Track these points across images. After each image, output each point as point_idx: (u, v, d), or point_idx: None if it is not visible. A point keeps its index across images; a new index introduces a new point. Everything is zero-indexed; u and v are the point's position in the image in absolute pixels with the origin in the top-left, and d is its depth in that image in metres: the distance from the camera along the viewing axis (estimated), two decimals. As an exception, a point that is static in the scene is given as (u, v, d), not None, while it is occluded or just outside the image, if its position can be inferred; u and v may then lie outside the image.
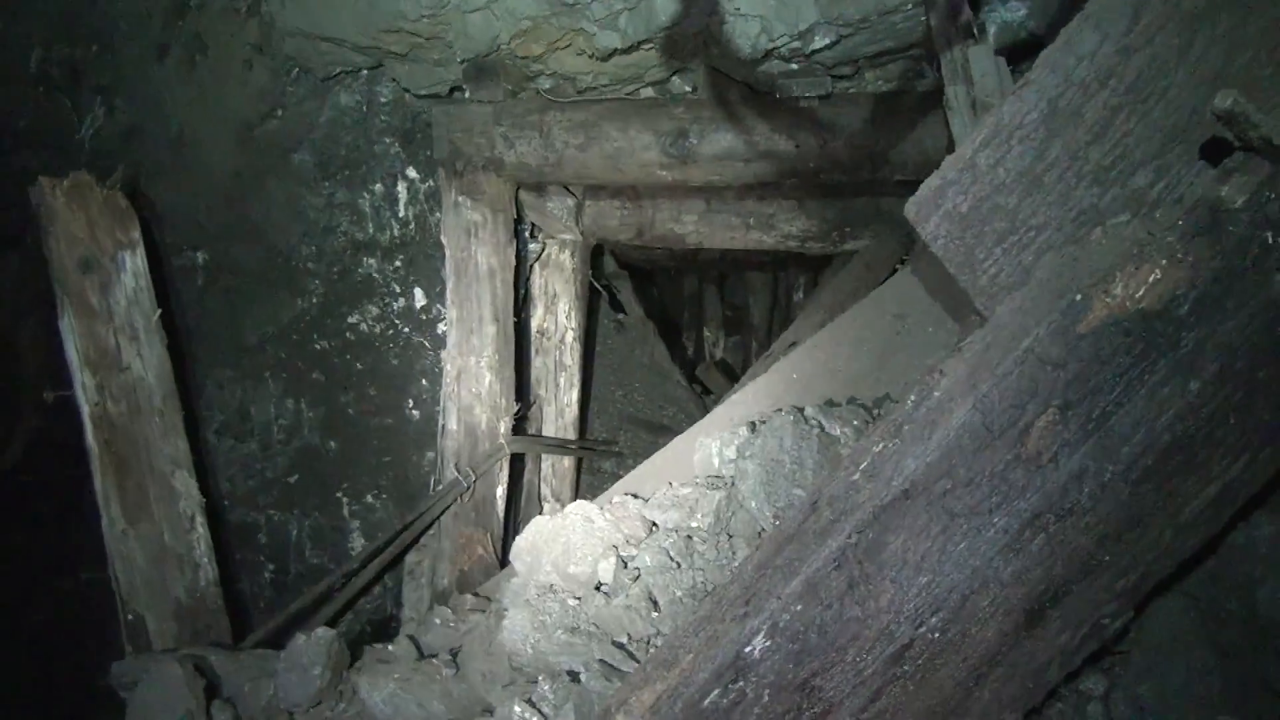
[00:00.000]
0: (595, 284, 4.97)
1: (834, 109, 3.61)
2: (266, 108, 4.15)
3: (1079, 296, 1.29)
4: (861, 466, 1.33)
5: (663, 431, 5.69)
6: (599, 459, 5.30)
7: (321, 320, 4.20)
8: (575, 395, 4.79)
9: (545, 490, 4.67)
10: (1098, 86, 1.37)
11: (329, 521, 4.09)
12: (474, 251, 3.91)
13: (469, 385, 3.88)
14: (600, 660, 1.87)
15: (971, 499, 1.28)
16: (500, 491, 3.96)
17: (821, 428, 2.02)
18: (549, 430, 4.68)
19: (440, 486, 3.74)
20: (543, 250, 4.64)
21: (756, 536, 2.01)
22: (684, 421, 5.85)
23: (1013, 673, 1.34)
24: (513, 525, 4.20)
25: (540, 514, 4.62)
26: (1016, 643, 1.33)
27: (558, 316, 4.74)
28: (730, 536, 2.02)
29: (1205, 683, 1.52)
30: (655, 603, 1.99)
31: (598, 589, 2.11)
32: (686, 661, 1.36)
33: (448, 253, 3.94)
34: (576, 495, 4.90)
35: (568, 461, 4.74)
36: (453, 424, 3.87)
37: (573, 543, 2.14)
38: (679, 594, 1.95)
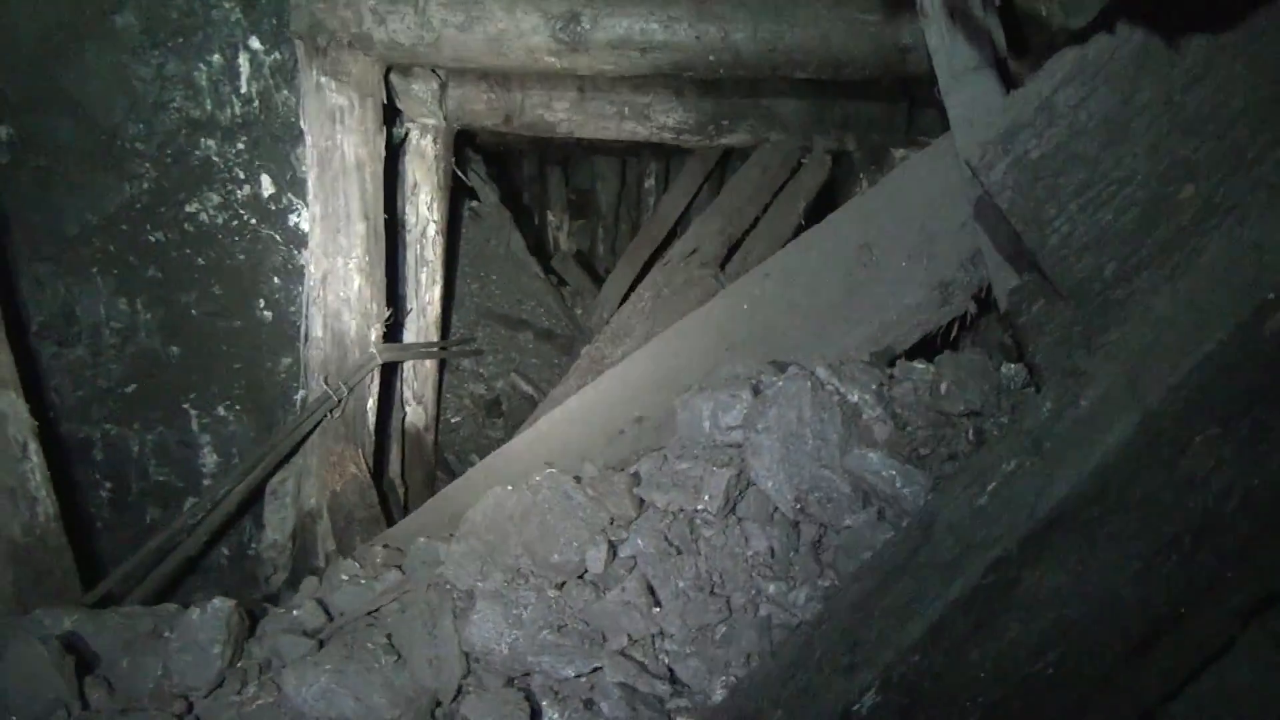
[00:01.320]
0: (458, 173, 4.63)
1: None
2: (85, -39, 3.57)
3: (1271, 295, 1.11)
4: (990, 488, 1.18)
5: (521, 326, 5.48)
6: (457, 359, 5.06)
7: (154, 209, 3.74)
8: (438, 293, 4.50)
9: (407, 394, 4.41)
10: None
11: (175, 436, 3.72)
12: (340, 141, 3.54)
13: (336, 289, 3.56)
14: (619, 683, 1.69)
15: (1116, 526, 1.16)
16: (371, 404, 3.70)
17: (840, 394, 1.87)
18: (410, 332, 4.40)
19: (309, 400, 3.44)
20: (405, 137, 4.27)
21: (770, 521, 1.86)
22: (543, 316, 5.64)
23: (1116, 701, 1.26)
24: (386, 434, 3.96)
25: (404, 419, 4.39)
26: (1125, 670, 1.24)
27: (419, 208, 4.41)
28: (741, 520, 1.87)
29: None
30: (655, 596, 1.82)
31: (581, 578, 1.92)
32: (775, 718, 1.21)
33: (309, 141, 3.54)
34: (439, 398, 4.67)
35: (430, 363, 4.48)
36: (318, 331, 3.55)
37: (551, 524, 1.92)
38: (682, 585, 1.79)
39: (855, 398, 1.87)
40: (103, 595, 3.01)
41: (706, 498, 1.87)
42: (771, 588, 1.76)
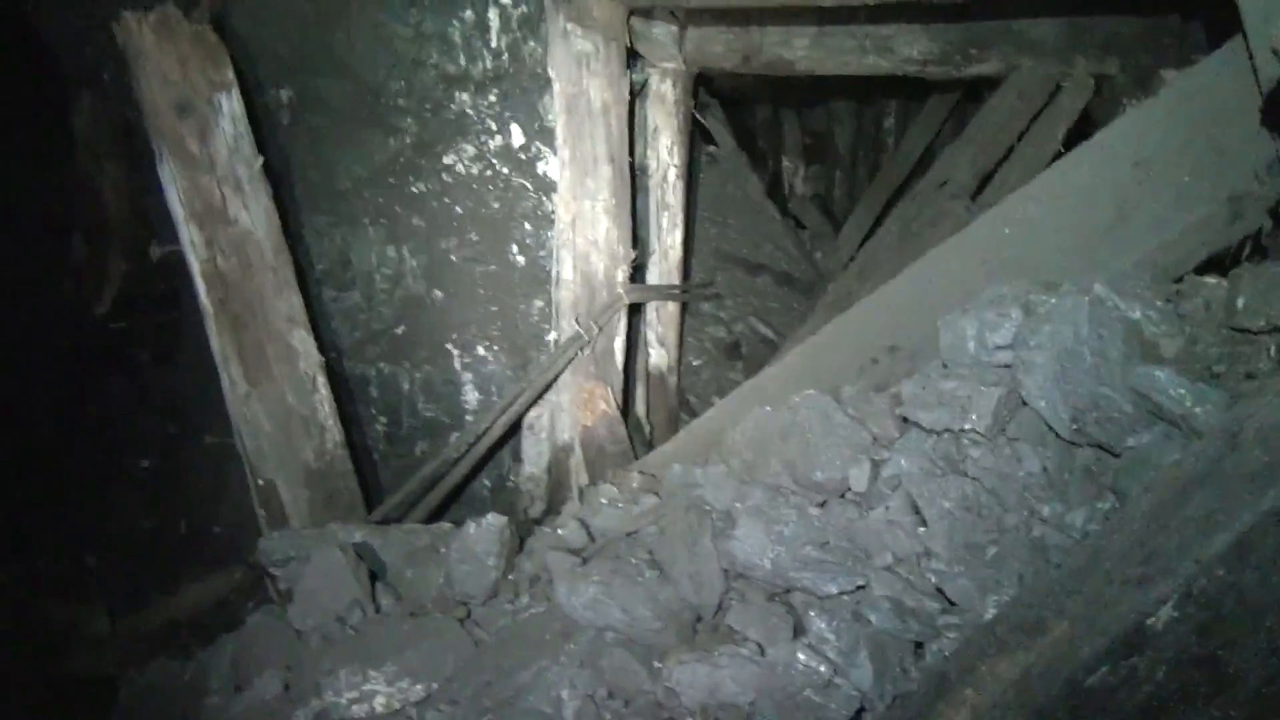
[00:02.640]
0: (697, 117, 4.64)
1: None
2: (348, -75, 3.79)
3: None
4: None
5: (759, 270, 5.47)
6: (698, 301, 5.11)
7: (416, 161, 3.95)
8: (679, 236, 4.55)
9: (651, 336, 4.50)
10: None
11: (440, 374, 3.96)
12: (586, 85, 3.61)
13: (585, 232, 3.66)
14: (886, 596, 1.69)
15: None
16: (619, 343, 3.79)
17: (1120, 310, 1.77)
18: (653, 274, 4.47)
19: (560, 341, 3.58)
20: (645, 81, 4.31)
21: (1043, 441, 1.80)
22: (782, 259, 5.61)
23: None
24: (631, 375, 4.06)
25: (648, 361, 4.49)
26: None
27: (659, 153, 4.45)
28: (1011, 440, 1.82)
29: None
30: (921, 515, 1.80)
31: (843, 496, 1.92)
32: (1061, 630, 1.17)
33: (557, 87, 3.64)
34: (681, 341, 4.73)
35: (672, 306, 4.55)
36: (568, 273, 3.66)
37: (812, 443, 1.94)
38: (948, 505, 1.76)
39: (1137, 314, 1.75)
40: (381, 518, 3.26)
41: (974, 417, 1.81)
42: (1046, 509, 1.69)
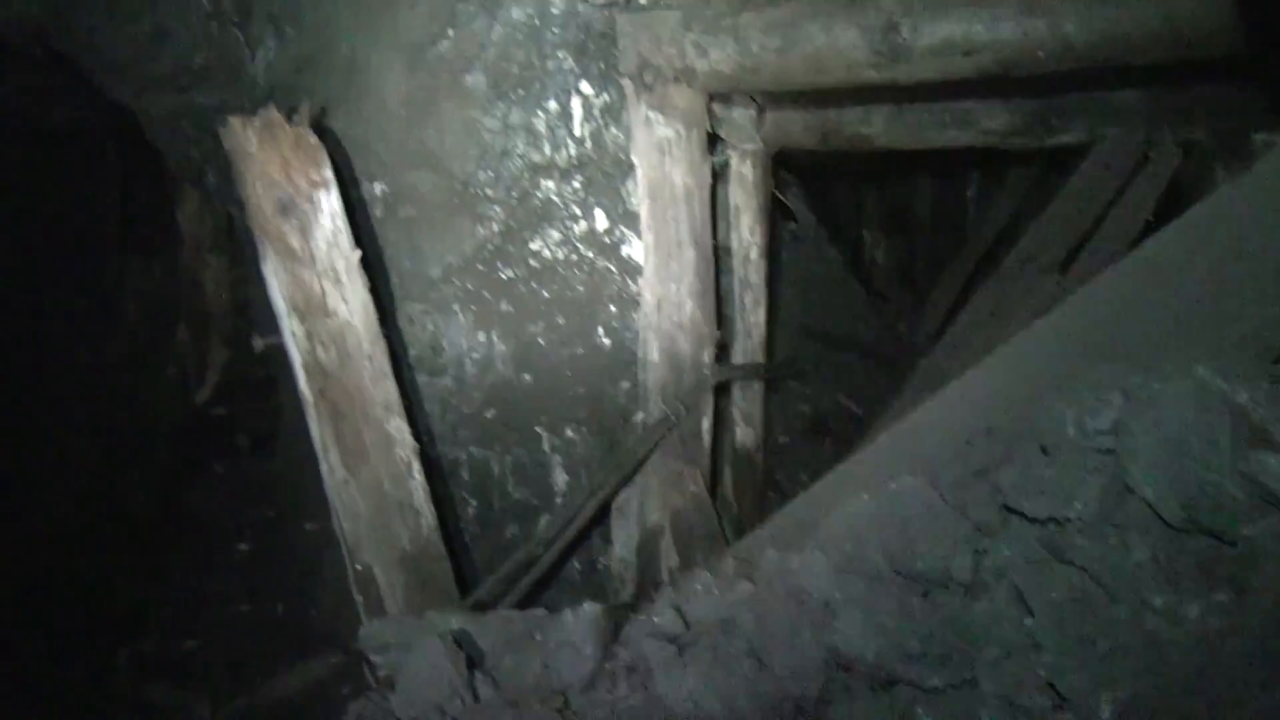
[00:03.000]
0: (778, 195, 4.70)
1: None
2: (437, 28, 3.96)
3: None
4: None
5: (844, 345, 5.45)
6: (783, 378, 5.11)
7: (504, 248, 4.06)
8: (762, 314, 4.57)
9: (736, 414, 4.50)
10: None
11: (530, 456, 4.00)
12: (668, 171, 3.69)
13: (670, 314, 3.71)
14: (993, 690, 1.66)
15: None
16: (707, 424, 3.81)
17: (1225, 394, 1.75)
18: (738, 353, 4.49)
19: (648, 422, 3.61)
20: (725, 163, 4.39)
21: (1151, 530, 1.76)
22: (866, 333, 5.59)
23: None
24: (718, 455, 4.06)
25: (734, 440, 4.48)
26: None
27: (741, 233, 4.50)
28: (1118, 528, 1.79)
29: None
30: (1027, 606, 1.78)
31: (946, 587, 1.91)
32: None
33: (640, 173, 3.73)
34: (767, 419, 4.73)
35: (757, 384, 4.56)
36: (654, 355, 3.70)
37: (912, 532, 1.94)
38: (1055, 596, 1.73)
39: (1244, 398, 1.71)
40: (475, 603, 3.29)
41: (1079, 505, 1.78)
42: (1158, 600, 1.64)
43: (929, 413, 2.45)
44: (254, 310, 4.52)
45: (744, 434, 4.49)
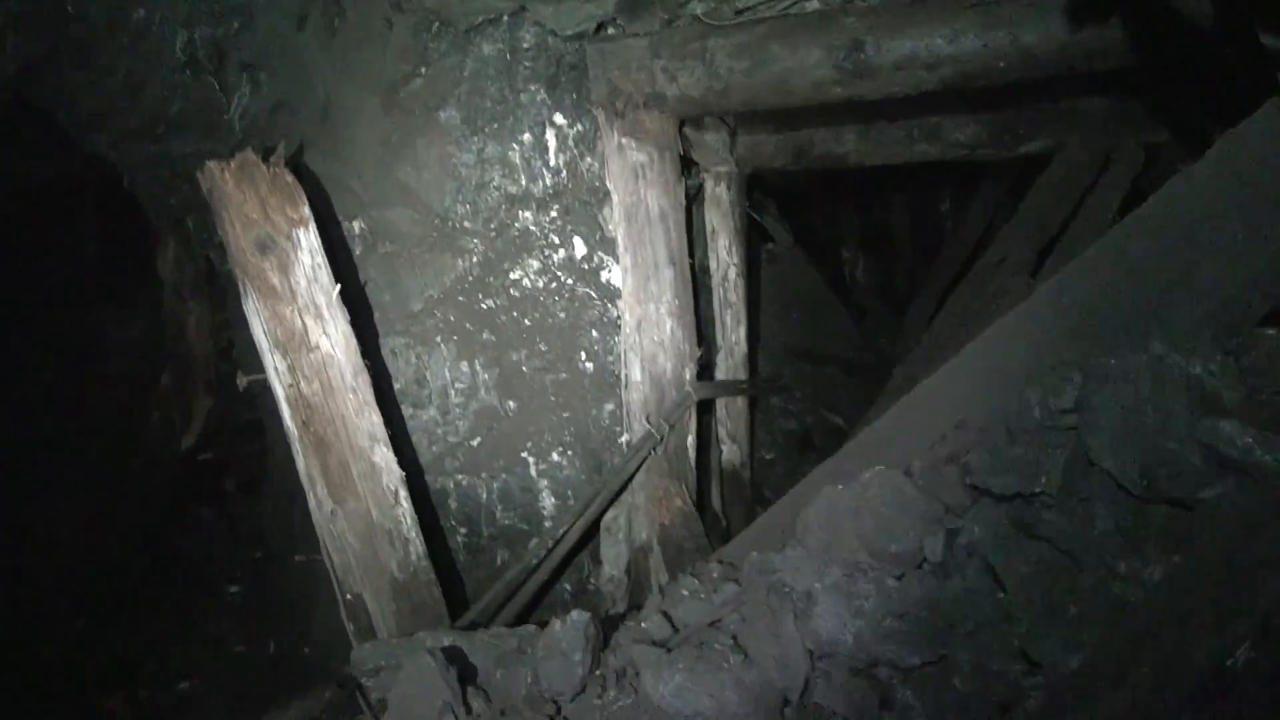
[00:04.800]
0: (753, 216, 4.77)
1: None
2: (409, 67, 4.02)
3: None
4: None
5: (826, 361, 5.50)
6: (767, 395, 5.15)
7: (484, 279, 4.10)
8: (743, 333, 4.63)
9: (722, 432, 4.54)
10: None
11: (517, 482, 4.03)
12: (643, 195, 3.76)
13: (650, 334, 3.75)
14: (969, 661, 1.69)
15: None
16: (691, 440, 3.85)
17: (1181, 366, 1.79)
18: (720, 371, 4.55)
19: (632, 441, 3.64)
20: (700, 185, 4.46)
21: (1115, 499, 1.80)
22: (847, 349, 5.64)
23: None
24: (705, 472, 4.09)
25: (721, 457, 4.52)
26: None
27: (719, 253, 4.57)
28: (1083, 500, 1.83)
29: None
30: (999, 581, 1.81)
31: (920, 567, 1.94)
32: (1141, 677, 1.17)
33: (616, 198, 3.78)
34: (752, 435, 4.76)
35: (741, 401, 4.60)
36: (636, 375, 3.74)
37: (885, 517, 1.97)
38: (1024, 570, 1.77)
39: (1198, 369, 1.76)
40: (466, 625, 3.30)
41: (1044, 480, 1.82)
42: (1123, 565, 1.68)
43: (902, 411, 2.49)
44: (237, 354, 4.54)
45: (730, 450, 4.53)
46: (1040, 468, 1.83)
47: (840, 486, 2.12)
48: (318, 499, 3.29)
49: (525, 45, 3.92)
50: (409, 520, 3.39)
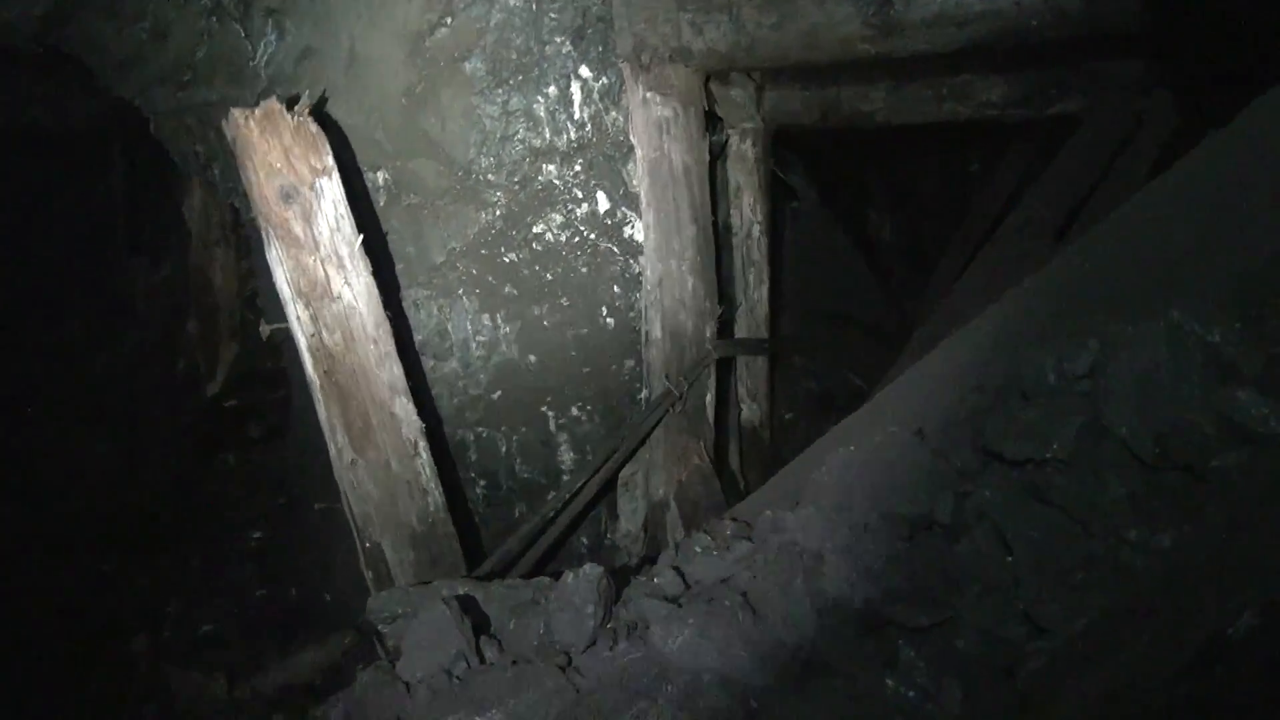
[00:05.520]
0: (779, 173, 4.73)
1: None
2: (435, 17, 4.00)
3: None
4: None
5: (849, 322, 5.48)
6: (789, 355, 5.14)
7: (507, 232, 4.09)
8: (765, 292, 4.62)
9: (742, 391, 4.55)
10: None
11: (537, 436, 4.05)
12: (667, 150, 3.73)
13: (672, 291, 3.74)
14: (974, 625, 1.70)
15: None
16: (710, 398, 3.85)
17: (1198, 334, 1.77)
18: (741, 329, 4.54)
19: (651, 398, 3.65)
20: (725, 141, 4.42)
21: (1127, 466, 1.79)
22: (870, 311, 5.61)
23: None
24: (724, 430, 4.10)
25: (741, 417, 4.53)
26: None
27: (743, 210, 4.55)
28: (1095, 466, 1.82)
29: None
30: (1007, 545, 1.81)
31: (929, 529, 1.95)
32: (1142, 644, 1.17)
33: (639, 153, 3.76)
34: (773, 395, 4.76)
35: (761, 361, 4.60)
36: (657, 332, 3.74)
37: (896, 479, 1.98)
38: (1034, 535, 1.77)
39: (1216, 337, 1.74)
40: (483, 575, 3.34)
41: (1056, 445, 1.82)
42: (1133, 533, 1.67)
43: (915, 374, 2.49)
44: (261, 302, 4.57)
45: (749, 410, 4.53)
46: (1053, 433, 1.83)
47: (852, 448, 2.13)
48: (338, 448, 3.32)
49: (552, -4, 3.89)
50: (428, 472, 3.42)
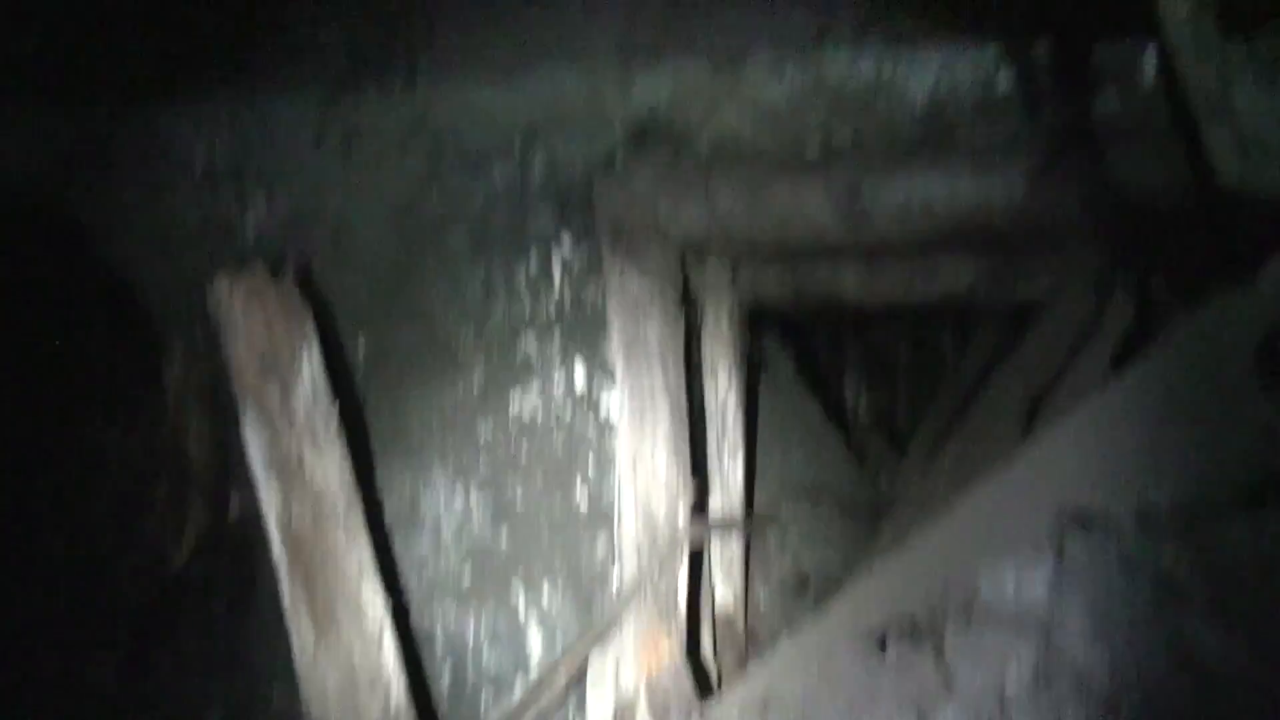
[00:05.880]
0: (753, 349, 4.77)
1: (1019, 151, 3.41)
2: (421, 190, 4.10)
3: None
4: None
5: (824, 499, 5.44)
6: (763, 534, 5.08)
7: (482, 404, 4.08)
8: (740, 467, 4.59)
9: (715, 573, 4.45)
10: None
11: (505, 620, 3.93)
12: (643, 327, 3.77)
13: (645, 470, 3.71)
14: None
15: None
16: (681, 583, 3.77)
17: (1150, 553, 1.76)
18: (715, 508, 4.48)
19: (623, 580, 3.57)
20: (700, 318, 4.47)
21: (1087, 694, 1.75)
22: (845, 487, 5.59)
23: None
24: (696, 615, 4.00)
25: (714, 599, 4.42)
26: None
27: (718, 385, 4.56)
28: (1054, 696, 1.78)
29: None
30: None
31: None
32: None
33: (615, 332, 3.79)
34: (747, 577, 4.68)
35: (736, 541, 4.53)
36: (629, 514, 3.68)
37: (858, 697, 1.92)
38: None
39: (1167, 559, 1.73)
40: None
41: (1013, 671, 1.78)
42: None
43: (879, 576, 2.46)
44: (233, 470, 4.48)
45: (723, 592, 4.44)
46: (1010, 657, 1.80)
47: (813, 663, 2.07)
48: (300, 635, 3.20)
49: (536, 172, 4.00)
50: (392, 664, 3.29)
